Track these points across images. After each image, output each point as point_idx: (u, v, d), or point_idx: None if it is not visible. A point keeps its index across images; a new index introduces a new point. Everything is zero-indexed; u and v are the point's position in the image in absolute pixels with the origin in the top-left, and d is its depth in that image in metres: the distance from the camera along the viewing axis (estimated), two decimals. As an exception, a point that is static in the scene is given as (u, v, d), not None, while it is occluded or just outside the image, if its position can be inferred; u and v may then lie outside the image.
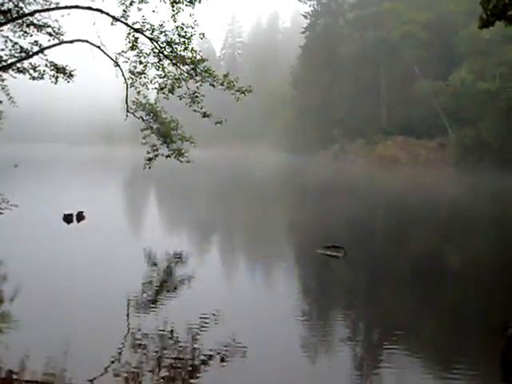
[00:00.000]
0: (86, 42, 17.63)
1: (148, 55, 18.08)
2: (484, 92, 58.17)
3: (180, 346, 9.60)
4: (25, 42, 17.63)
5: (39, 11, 17.17)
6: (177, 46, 17.59)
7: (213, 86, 17.82)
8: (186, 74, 17.89)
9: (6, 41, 17.58)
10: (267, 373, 8.70)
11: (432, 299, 13.11)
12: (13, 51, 17.65)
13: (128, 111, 19.17)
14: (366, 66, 75.62)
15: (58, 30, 17.86)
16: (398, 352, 9.58)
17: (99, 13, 16.88)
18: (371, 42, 74.85)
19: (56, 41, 17.81)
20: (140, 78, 18.51)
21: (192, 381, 8.38)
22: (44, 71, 18.13)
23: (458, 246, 20.65)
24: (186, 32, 17.37)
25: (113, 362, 8.86)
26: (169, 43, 17.58)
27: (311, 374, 8.80)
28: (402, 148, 69.51)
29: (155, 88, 18.73)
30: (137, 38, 17.81)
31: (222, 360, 9.08)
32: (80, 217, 23.01)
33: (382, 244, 21.15)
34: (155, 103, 19.62)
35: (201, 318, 10.94)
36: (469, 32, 55.77)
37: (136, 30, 17.58)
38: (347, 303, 12.84)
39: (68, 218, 22.51)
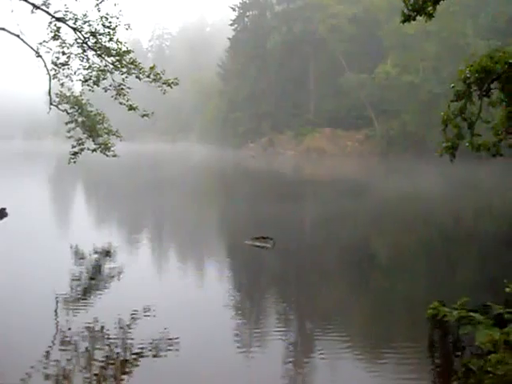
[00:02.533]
0: (3, 30, 16.84)
1: (71, 46, 17.54)
2: (408, 85, 60.20)
3: (111, 343, 9.43)
4: None
5: None
6: (101, 36, 17.15)
7: (139, 78, 17.50)
8: (111, 66, 17.50)
9: None
10: (201, 365, 8.70)
11: (361, 287, 13.52)
12: None
13: (51, 104, 18.55)
14: (294, 58, 76.50)
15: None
16: (329, 339, 9.80)
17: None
18: (299, 35, 75.69)
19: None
20: (63, 70, 17.95)
21: (124, 376, 8.26)
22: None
23: (383, 234, 21.29)
24: (110, 22, 16.97)
25: (42, 362, 8.58)
26: (93, 34, 17.10)
27: (244, 365, 8.86)
28: (330, 140, 70.93)
29: (80, 80, 18.21)
30: (59, 28, 17.22)
31: (155, 354, 9.00)
32: (2, 214, 22.12)
33: (310, 234, 21.51)
34: (80, 96, 19.09)
35: (131, 313, 10.79)
36: (393, 26, 57.33)
37: (58, 19, 16.99)
38: (277, 293, 13.00)
39: (-11, 216, 21.60)
